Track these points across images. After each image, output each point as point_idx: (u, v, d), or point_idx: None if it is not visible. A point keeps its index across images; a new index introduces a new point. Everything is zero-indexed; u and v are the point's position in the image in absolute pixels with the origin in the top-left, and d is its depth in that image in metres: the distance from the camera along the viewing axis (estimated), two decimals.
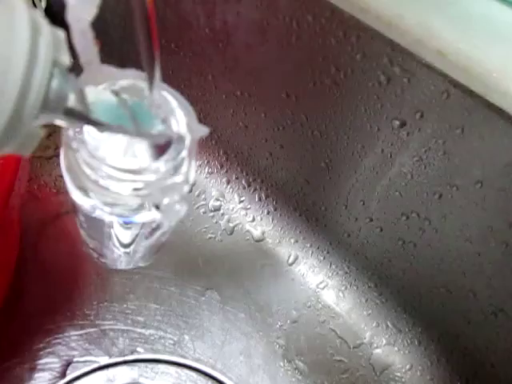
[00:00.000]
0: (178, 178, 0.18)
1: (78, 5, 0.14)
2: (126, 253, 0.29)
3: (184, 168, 0.18)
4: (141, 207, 0.19)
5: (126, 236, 0.25)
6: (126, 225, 0.22)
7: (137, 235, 0.25)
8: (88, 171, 0.17)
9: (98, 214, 0.19)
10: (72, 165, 0.17)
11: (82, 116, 0.14)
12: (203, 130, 0.18)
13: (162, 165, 0.17)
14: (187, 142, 0.18)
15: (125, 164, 0.17)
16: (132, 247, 0.27)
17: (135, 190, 0.17)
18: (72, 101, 0.14)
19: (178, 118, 0.18)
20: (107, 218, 0.19)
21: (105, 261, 0.31)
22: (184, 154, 0.18)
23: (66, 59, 0.13)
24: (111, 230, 0.24)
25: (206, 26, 0.39)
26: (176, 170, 0.18)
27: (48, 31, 0.13)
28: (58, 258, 0.46)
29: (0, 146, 0.13)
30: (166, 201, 0.18)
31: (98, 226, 0.24)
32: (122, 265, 0.31)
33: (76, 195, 0.18)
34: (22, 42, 0.12)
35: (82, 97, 0.14)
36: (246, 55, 0.39)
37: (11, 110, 0.12)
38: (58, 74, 0.13)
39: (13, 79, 0.12)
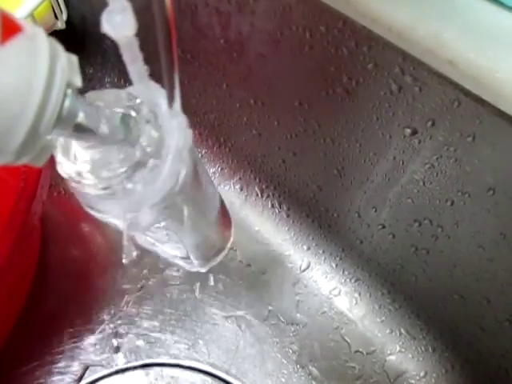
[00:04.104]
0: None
1: (117, 26, 0.15)
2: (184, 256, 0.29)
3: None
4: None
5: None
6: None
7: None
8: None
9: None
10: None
11: (89, 131, 0.16)
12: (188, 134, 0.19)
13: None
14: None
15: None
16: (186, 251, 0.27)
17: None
18: (81, 118, 0.15)
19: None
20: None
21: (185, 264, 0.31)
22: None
23: (77, 81, 0.15)
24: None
25: (221, 37, 0.40)
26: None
27: (64, 56, 0.14)
28: (75, 263, 0.47)
29: (17, 157, 0.14)
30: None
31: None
32: (196, 267, 0.31)
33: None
34: (42, 66, 0.13)
35: (89, 114, 0.16)
36: (259, 65, 0.39)
37: (30, 126, 0.13)
38: (70, 95, 0.15)
39: (33, 98, 0.13)
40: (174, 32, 0.15)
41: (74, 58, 0.15)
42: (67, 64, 0.14)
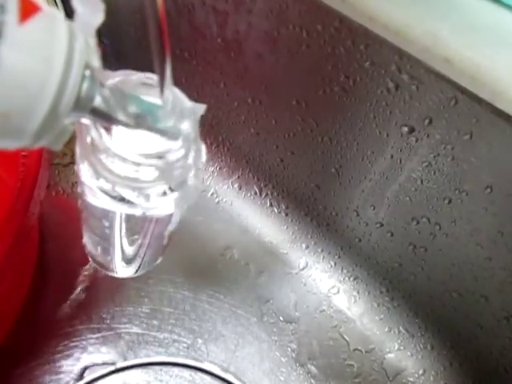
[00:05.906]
0: (190, 160, 0.19)
1: (86, 13, 0.15)
2: (130, 261, 0.29)
3: (193, 151, 0.19)
4: (161, 193, 0.20)
5: (131, 244, 0.25)
6: (142, 217, 0.23)
7: (142, 241, 0.25)
8: (110, 164, 0.18)
9: (117, 208, 0.20)
10: (92, 162, 0.18)
11: (105, 115, 0.16)
12: (201, 107, 0.19)
13: (175, 148, 0.18)
14: (193, 127, 0.19)
15: (141, 150, 0.18)
16: (137, 253, 0.27)
17: (157, 172, 0.18)
18: (98, 101, 0.15)
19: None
20: (124, 211, 0.20)
21: (109, 271, 0.31)
22: (191, 137, 0.19)
23: (95, 62, 0.15)
24: (118, 233, 0.24)
25: (219, 36, 0.40)
26: (187, 152, 0.19)
27: (81, 38, 0.14)
28: (74, 263, 0.47)
29: (36, 139, 0.14)
30: (182, 183, 0.20)
31: (106, 231, 0.24)
32: (129, 273, 0.31)
33: (97, 193, 0.19)
34: (62, 47, 0.13)
35: (106, 97, 0.15)
36: (257, 64, 0.39)
37: (49, 107, 0.13)
38: (88, 77, 0.14)
39: (52, 78, 0.13)
40: (164, 22, 0.15)
41: (92, 40, 0.15)
42: (85, 45, 0.14)
